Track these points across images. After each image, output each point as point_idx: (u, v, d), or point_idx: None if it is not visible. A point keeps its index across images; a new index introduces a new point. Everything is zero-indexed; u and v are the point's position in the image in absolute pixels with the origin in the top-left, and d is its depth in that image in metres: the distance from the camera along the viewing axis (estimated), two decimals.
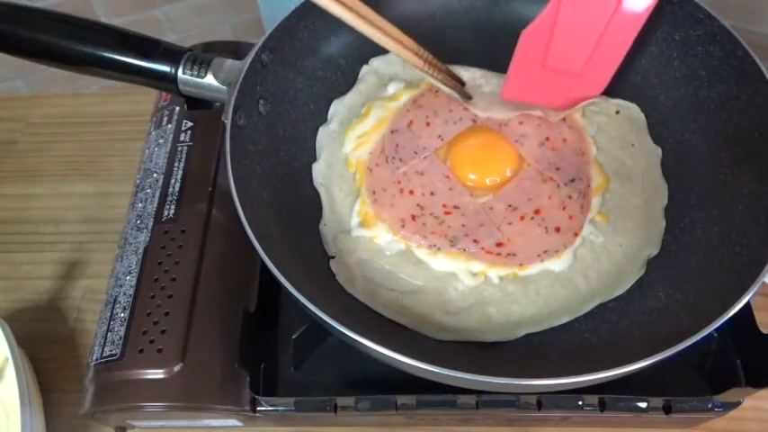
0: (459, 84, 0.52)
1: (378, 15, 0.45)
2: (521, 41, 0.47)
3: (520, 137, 0.50)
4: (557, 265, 0.46)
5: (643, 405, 0.43)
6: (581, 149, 0.50)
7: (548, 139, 0.50)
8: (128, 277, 0.48)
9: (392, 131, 0.51)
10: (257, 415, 0.45)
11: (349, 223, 0.49)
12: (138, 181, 0.55)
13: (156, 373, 0.45)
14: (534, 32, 0.46)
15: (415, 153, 0.50)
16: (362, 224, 0.48)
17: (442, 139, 0.51)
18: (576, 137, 0.51)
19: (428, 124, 0.51)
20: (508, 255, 0.46)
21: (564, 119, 0.51)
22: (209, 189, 0.52)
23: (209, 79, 0.47)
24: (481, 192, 0.49)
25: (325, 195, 0.50)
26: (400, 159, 0.50)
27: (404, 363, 0.36)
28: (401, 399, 0.43)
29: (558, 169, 0.49)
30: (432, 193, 0.49)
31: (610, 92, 0.53)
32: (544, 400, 0.44)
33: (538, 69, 0.48)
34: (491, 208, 0.48)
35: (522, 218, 0.47)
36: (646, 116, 0.52)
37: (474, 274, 0.46)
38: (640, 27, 0.45)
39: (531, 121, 0.51)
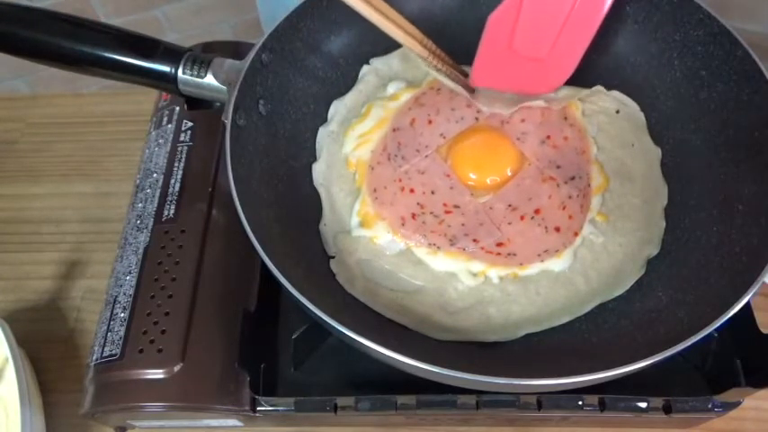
0: (462, 76, 0.52)
1: (385, 3, 0.45)
2: (488, 26, 0.47)
3: (521, 134, 0.51)
4: (557, 264, 0.46)
5: (643, 405, 0.43)
6: (581, 148, 0.50)
7: (549, 137, 0.50)
8: (128, 277, 0.48)
9: (394, 130, 0.51)
10: (257, 415, 0.45)
11: (349, 223, 0.49)
12: (138, 181, 0.55)
13: (156, 373, 0.45)
14: (501, 17, 0.46)
15: (417, 151, 0.50)
16: (362, 224, 0.48)
17: (444, 138, 0.51)
18: (576, 135, 0.51)
19: (430, 122, 0.51)
20: (508, 254, 0.46)
21: (565, 117, 0.51)
22: (209, 189, 0.52)
23: (209, 79, 0.47)
24: (482, 191, 0.49)
25: (325, 195, 0.50)
26: (402, 157, 0.50)
27: (404, 363, 0.36)
28: (401, 399, 0.43)
29: (558, 167, 0.49)
30: (432, 192, 0.49)
31: (609, 86, 0.53)
32: (544, 400, 0.44)
33: (505, 54, 0.48)
34: (491, 208, 0.48)
35: (522, 217, 0.47)
36: (646, 116, 0.52)
37: (474, 275, 0.46)
38: (604, 14, 0.46)
39: (533, 119, 0.51)
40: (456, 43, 0.56)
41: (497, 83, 0.51)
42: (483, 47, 0.48)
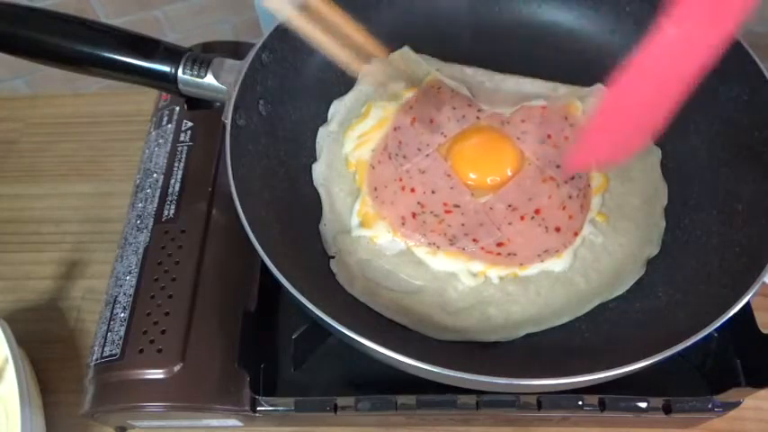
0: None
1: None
2: (605, 101, 0.38)
3: (522, 134, 0.51)
4: (557, 265, 0.46)
5: (643, 405, 0.43)
6: None
7: (549, 136, 0.50)
8: (128, 277, 0.48)
9: (395, 128, 0.51)
10: (257, 415, 0.45)
11: (349, 223, 0.49)
12: (138, 181, 0.55)
13: (156, 373, 0.45)
14: (622, 89, 0.37)
15: (419, 150, 0.50)
16: (362, 224, 0.48)
17: (445, 136, 0.51)
18: (577, 135, 0.51)
19: (431, 121, 0.51)
20: (508, 254, 0.46)
21: (566, 117, 0.51)
22: (209, 189, 0.52)
23: (209, 79, 0.47)
24: (482, 191, 0.49)
25: (325, 195, 0.50)
26: (403, 156, 0.50)
27: (404, 363, 0.36)
28: (401, 399, 0.43)
29: (558, 167, 0.49)
30: (433, 192, 0.49)
31: (609, 81, 0.53)
32: (544, 400, 0.43)
33: (614, 128, 0.39)
34: (491, 208, 0.48)
35: (522, 218, 0.47)
36: None
37: (474, 275, 0.46)
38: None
39: (534, 118, 0.51)
40: (454, 45, 0.56)
41: (592, 159, 0.43)
42: (595, 124, 0.39)
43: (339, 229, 0.49)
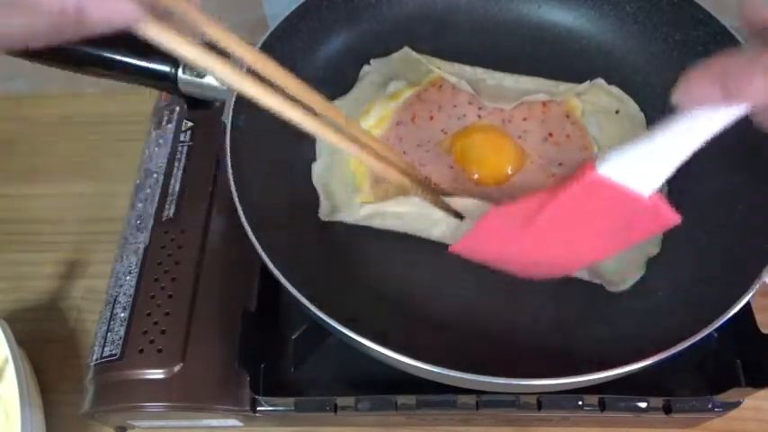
0: (450, 210, 0.46)
1: (361, 130, 0.41)
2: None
3: (523, 132, 0.51)
4: None
5: (643, 405, 0.43)
6: (583, 146, 0.50)
7: (551, 134, 0.50)
8: (128, 277, 0.48)
9: (396, 124, 0.52)
10: (257, 415, 0.45)
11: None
12: (138, 181, 0.55)
13: (156, 373, 0.45)
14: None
15: (418, 146, 0.50)
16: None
17: (446, 133, 0.51)
18: (578, 134, 0.51)
19: (432, 118, 0.51)
20: None
21: (567, 115, 0.51)
22: (209, 189, 0.52)
23: (210, 79, 0.47)
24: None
25: (325, 195, 0.50)
26: (404, 152, 0.50)
27: (404, 363, 0.36)
28: (401, 399, 0.43)
29: (560, 165, 0.49)
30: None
31: (609, 80, 0.54)
32: (544, 400, 0.43)
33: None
34: None
35: None
36: (645, 116, 0.52)
37: None
38: None
39: (535, 116, 0.51)
40: (454, 44, 0.56)
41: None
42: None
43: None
